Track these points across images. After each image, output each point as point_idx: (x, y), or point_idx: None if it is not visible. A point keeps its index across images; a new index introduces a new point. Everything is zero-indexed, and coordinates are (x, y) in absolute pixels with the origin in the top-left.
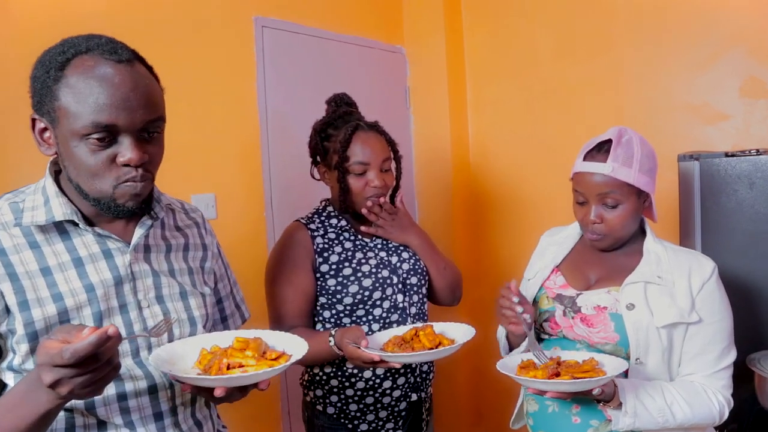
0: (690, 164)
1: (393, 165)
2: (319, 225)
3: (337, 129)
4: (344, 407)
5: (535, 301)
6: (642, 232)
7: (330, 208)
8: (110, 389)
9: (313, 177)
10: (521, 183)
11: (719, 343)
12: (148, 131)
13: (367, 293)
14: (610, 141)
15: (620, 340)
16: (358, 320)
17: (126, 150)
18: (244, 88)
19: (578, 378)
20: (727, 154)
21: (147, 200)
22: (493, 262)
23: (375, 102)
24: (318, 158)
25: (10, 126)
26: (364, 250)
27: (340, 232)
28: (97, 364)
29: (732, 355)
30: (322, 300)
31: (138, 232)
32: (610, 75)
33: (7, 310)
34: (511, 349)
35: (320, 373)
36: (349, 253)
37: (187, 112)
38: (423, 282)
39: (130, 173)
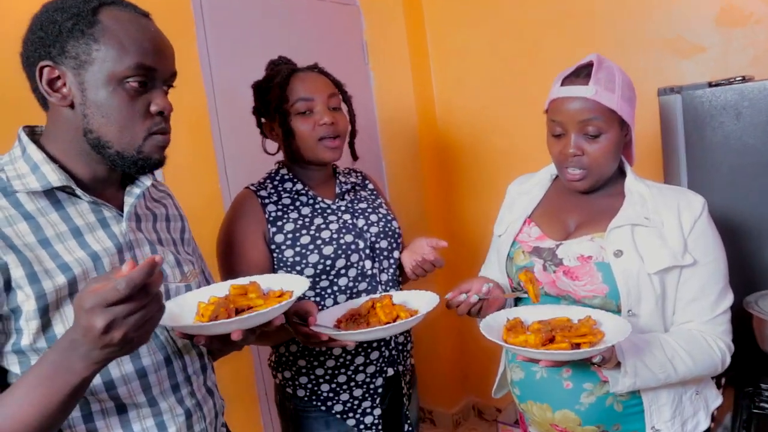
0: (671, 98)
1: (345, 108)
2: (272, 191)
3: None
4: (315, 388)
5: (510, 258)
6: (621, 173)
7: (284, 171)
8: (128, 366)
9: (267, 152)
10: (490, 133)
11: (715, 284)
12: (169, 84)
13: (329, 262)
14: (590, 65)
15: (609, 292)
16: (323, 292)
17: (159, 98)
18: (184, 53)
19: (576, 343)
20: (710, 84)
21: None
22: (466, 216)
23: (331, 60)
24: (263, 119)
25: None
26: (325, 214)
27: (296, 196)
28: (147, 299)
29: (729, 298)
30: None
31: (128, 201)
32: (579, 11)
33: (7, 286)
34: None
35: (286, 353)
36: (307, 220)
37: None
38: (395, 245)
39: (160, 124)
